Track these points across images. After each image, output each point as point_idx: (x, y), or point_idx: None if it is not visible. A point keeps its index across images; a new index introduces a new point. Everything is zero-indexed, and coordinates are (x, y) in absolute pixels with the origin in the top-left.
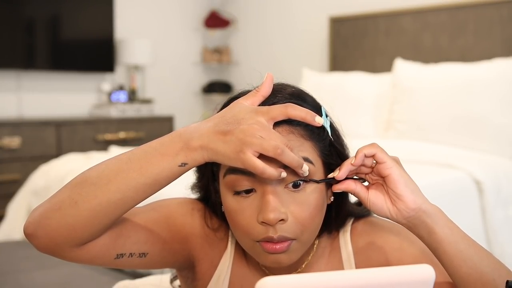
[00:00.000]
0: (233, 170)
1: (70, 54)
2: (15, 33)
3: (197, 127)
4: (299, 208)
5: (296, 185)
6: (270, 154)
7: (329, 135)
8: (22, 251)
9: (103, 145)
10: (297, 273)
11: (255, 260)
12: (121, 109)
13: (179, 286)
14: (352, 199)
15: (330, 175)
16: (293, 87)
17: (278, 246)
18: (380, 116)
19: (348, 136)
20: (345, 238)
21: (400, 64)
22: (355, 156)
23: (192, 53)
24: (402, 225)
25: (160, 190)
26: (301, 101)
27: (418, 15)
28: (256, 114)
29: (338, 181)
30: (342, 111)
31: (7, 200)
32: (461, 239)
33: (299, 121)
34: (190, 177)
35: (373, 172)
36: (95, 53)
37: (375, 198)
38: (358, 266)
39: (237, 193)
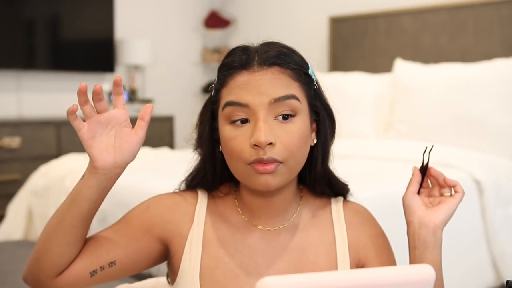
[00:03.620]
0: (230, 103)
1: (70, 54)
2: (15, 33)
3: None
4: (286, 136)
5: (285, 118)
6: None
7: (314, 83)
8: (22, 251)
9: None
10: (289, 222)
11: (230, 216)
12: None
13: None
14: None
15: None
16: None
17: (267, 167)
18: (380, 116)
19: (349, 136)
20: (336, 200)
21: (400, 64)
22: (446, 178)
23: (192, 53)
24: (411, 226)
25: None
26: (291, 52)
27: (418, 15)
28: None
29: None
30: (342, 111)
31: (7, 200)
32: (439, 271)
33: (289, 64)
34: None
35: (436, 190)
36: (95, 53)
37: (415, 196)
38: (348, 225)
39: (233, 122)
